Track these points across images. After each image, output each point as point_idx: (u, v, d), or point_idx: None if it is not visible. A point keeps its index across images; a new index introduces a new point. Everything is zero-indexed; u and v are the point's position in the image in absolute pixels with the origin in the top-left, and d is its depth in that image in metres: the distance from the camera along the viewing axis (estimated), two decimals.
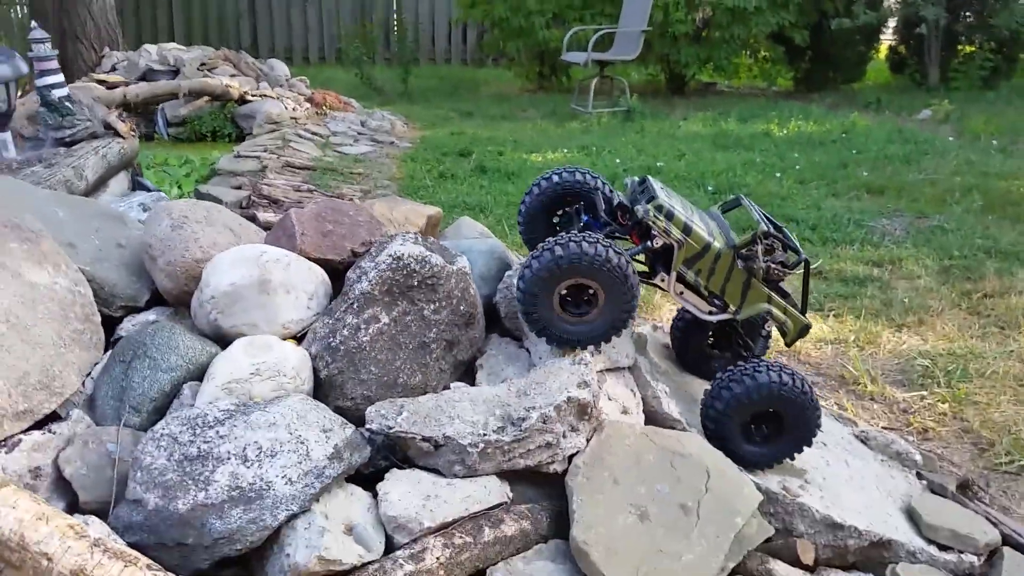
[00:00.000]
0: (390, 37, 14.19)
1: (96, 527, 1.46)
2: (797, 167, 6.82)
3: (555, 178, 2.33)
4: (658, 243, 2.10)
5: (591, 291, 1.95)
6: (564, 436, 1.77)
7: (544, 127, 8.85)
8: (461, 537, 1.59)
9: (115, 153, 3.45)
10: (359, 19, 14.07)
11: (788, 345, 2.31)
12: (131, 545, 1.48)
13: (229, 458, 1.55)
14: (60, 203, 2.30)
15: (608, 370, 2.11)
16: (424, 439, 1.70)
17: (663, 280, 2.15)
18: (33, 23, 4.00)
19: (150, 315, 2.16)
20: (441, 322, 1.98)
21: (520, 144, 7.68)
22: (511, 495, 1.75)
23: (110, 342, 2.07)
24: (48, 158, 3.21)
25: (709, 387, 2.11)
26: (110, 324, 2.12)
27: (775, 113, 9.20)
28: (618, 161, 7.09)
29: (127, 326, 2.12)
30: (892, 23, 11.36)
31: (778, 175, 6.56)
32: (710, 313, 2.20)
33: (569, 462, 1.81)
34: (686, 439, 1.96)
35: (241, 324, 1.94)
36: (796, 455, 2.13)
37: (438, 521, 1.60)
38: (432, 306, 1.98)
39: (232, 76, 8.41)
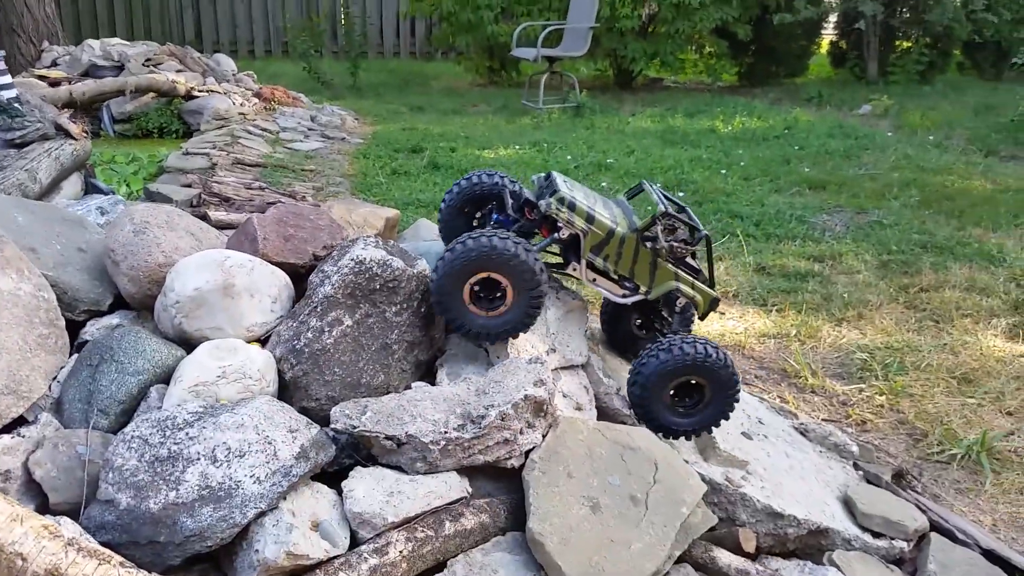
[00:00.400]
0: (337, 30, 14.09)
1: (69, 527, 1.51)
2: (742, 163, 7.00)
3: (473, 179, 2.46)
4: (564, 234, 2.22)
5: (502, 286, 2.06)
6: (521, 433, 1.86)
7: (495, 123, 8.92)
8: (423, 531, 1.68)
9: (68, 155, 3.43)
10: (305, 12, 13.95)
11: (701, 319, 2.43)
12: (103, 544, 1.53)
13: (199, 459, 1.60)
14: (19, 208, 2.30)
15: (563, 368, 2.20)
16: (387, 437, 1.77)
17: (575, 269, 2.28)
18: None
19: (113, 319, 2.19)
20: (402, 324, 2.06)
21: (472, 140, 7.74)
22: (470, 490, 1.84)
23: (74, 346, 2.09)
24: None
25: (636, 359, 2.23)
26: (74, 328, 2.15)
27: (720, 109, 9.41)
28: (569, 157, 7.20)
29: (91, 330, 2.15)
30: (833, 18, 11.67)
31: (723, 172, 6.74)
32: (624, 296, 2.31)
33: (526, 457, 1.90)
34: (635, 433, 2.06)
35: (206, 328, 1.99)
36: (715, 427, 2.24)
37: (401, 516, 1.68)
38: (393, 308, 2.05)
39: (178, 72, 8.30)
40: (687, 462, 2.12)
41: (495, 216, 2.40)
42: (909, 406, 3.25)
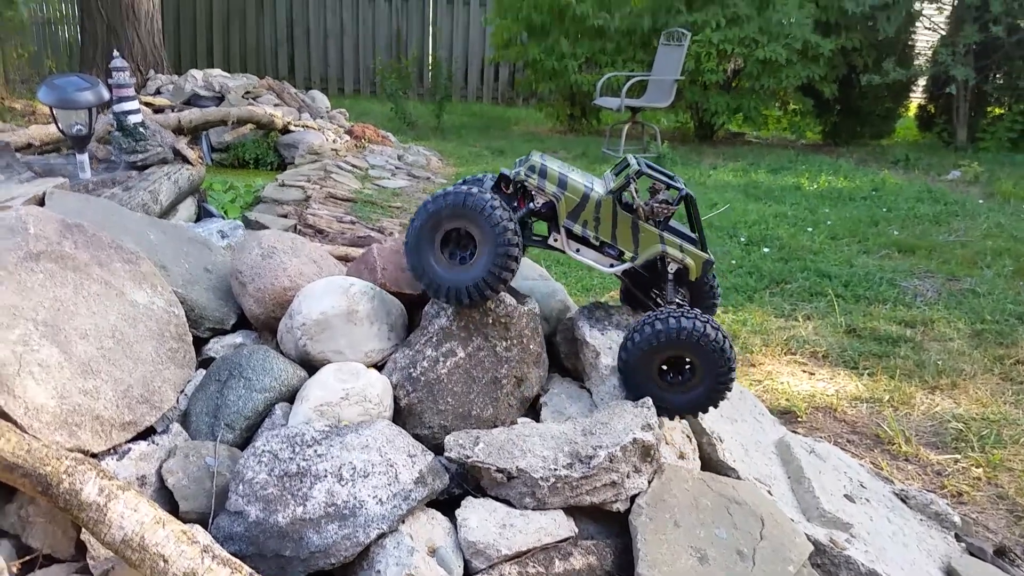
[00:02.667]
0: (424, 73, 14.49)
1: (201, 535, 1.57)
2: (828, 222, 6.92)
3: (470, 179, 2.42)
4: (539, 202, 2.17)
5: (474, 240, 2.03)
6: (628, 476, 1.87)
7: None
8: (534, 567, 1.69)
9: (185, 179, 3.61)
10: (395, 54, 14.39)
11: (695, 282, 2.31)
12: (231, 554, 1.58)
13: (326, 476, 1.66)
14: (152, 227, 2.43)
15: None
16: (499, 470, 1.80)
17: (556, 240, 2.21)
18: (115, 52, 4.21)
19: (236, 338, 2.29)
20: (512, 359, 2.10)
21: None
22: (576, 530, 1.85)
23: (199, 362, 2.19)
24: (121, 180, 3.37)
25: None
26: (197, 345, 2.24)
27: (804, 167, 9.34)
28: None
29: (215, 347, 2.24)
30: (922, 81, 11.52)
31: (809, 229, 6.67)
32: (611, 265, 2.24)
33: (631, 502, 1.90)
34: (741, 487, 2.05)
35: (328, 351, 2.07)
36: (702, 412, 2.15)
37: (513, 550, 1.70)
38: (504, 343, 2.09)
39: (276, 105, 8.64)
40: (792, 520, 2.09)
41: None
42: (1008, 481, 3.14)
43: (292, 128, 8.20)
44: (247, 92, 8.69)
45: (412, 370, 2.02)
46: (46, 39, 12.98)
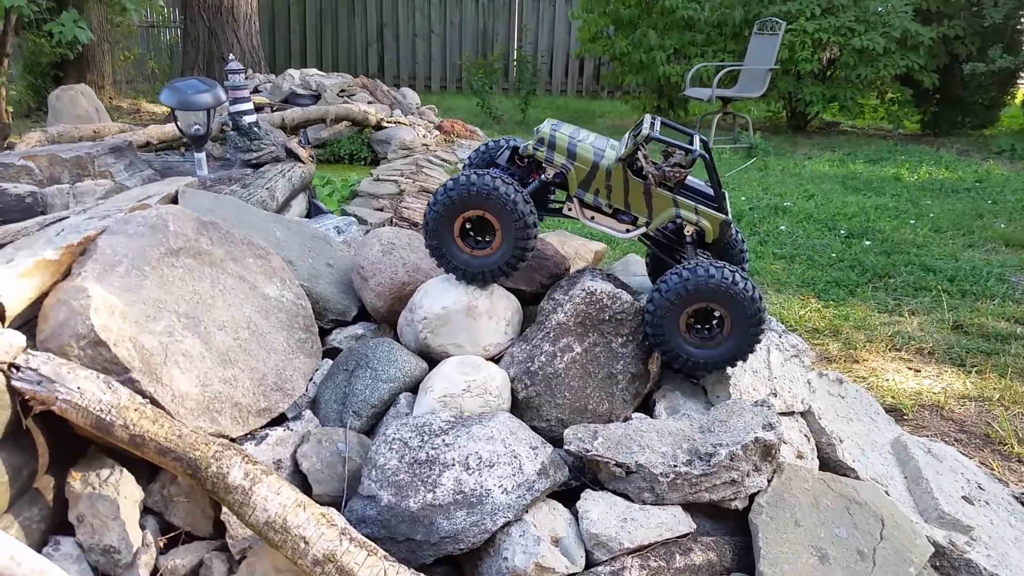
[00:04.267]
0: (509, 68, 14.56)
1: (337, 518, 1.64)
2: (931, 215, 6.68)
3: (501, 142, 2.45)
4: (550, 174, 2.16)
5: (492, 227, 2.06)
6: (748, 475, 1.87)
7: None
8: (656, 561, 1.71)
9: (297, 176, 3.75)
10: (480, 51, 14.51)
11: (714, 244, 2.26)
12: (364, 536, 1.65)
13: (453, 465, 1.71)
14: (277, 223, 2.54)
15: (783, 414, 2.19)
16: (617, 464, 1.82)
17: (570, 209, 2.20)
18: (230, 55, 4.37)
19: (357, 329, 2.37)
20: (627, 355, 2.12)
21: None
22: (694, 526, 1.86)
23: (323, 352, 2.28)
24: (238, 178, 3.52)
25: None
26: (321, 335, 2.34)
27: (904, 157, 9.03)
28: (743, 199, 7.10)
29: (339, 338, 2.34)
30: None
31: (912, 222, 6.46)
32: (626, 231, 2.21)
33: (749, 500, 1.90)
34: (861, 487, 2.02)
35: (448, 344, 2.13)
36: (730, 367, 2.10)
37: (635, 543, 1.72)
38: (620, 340, 2.11)
39: (369, 103, 8.83)
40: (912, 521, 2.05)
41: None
42: None
43: (385, 124, 8.37)
44: (342, 90, 8.91)
45: (530, 364, 2.06)
46: (149, 42, 13.56)
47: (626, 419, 2.10)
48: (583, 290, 2.10)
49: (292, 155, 3.89)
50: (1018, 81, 11.17)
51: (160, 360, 1.75)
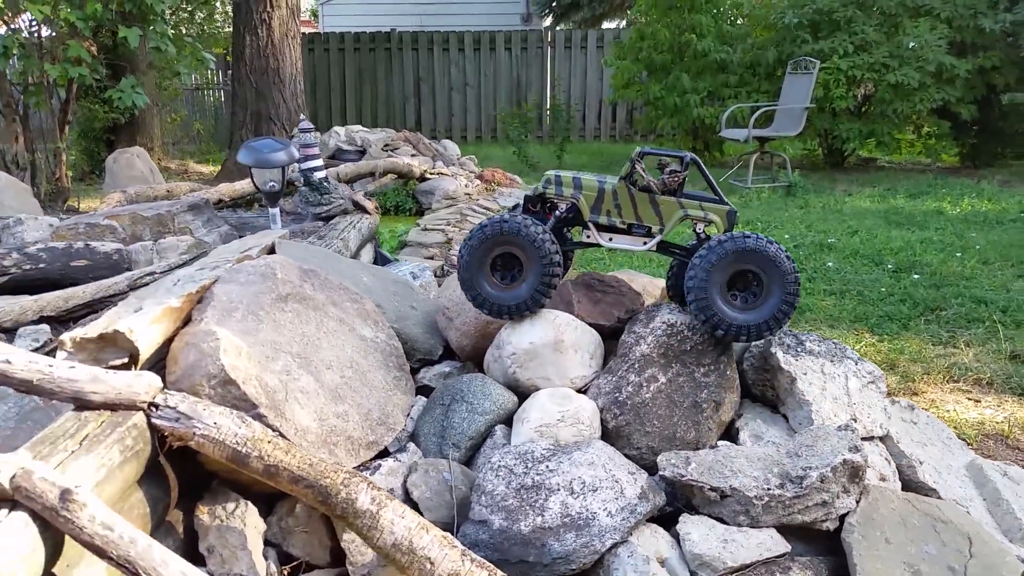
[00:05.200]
0: (542, 116, 14.86)
1: (455, 540, 1.74)
2: (977, 247, 6.68)
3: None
4: (562, 207, 2.35)
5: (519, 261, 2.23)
6: (837, 496, 1.94)
7: None
8: None
9: (365, 227, 3.92)
10: (515, 100, 14.84)
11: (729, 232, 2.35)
12: None
13: (559, 489, 1.81)
14: (363, 271, 2.69)
15: (863, 439, 2.25)
16: (712, 488, 1.90)
17: (588, 236, 2.37)
18: (302, 116, 4.60)
19: (444, 367, 2.49)
20: (710, 384, 2.21)
21: None
22: (789, 547, 1.92)
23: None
24: (311, 231, 3.69)
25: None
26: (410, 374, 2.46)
27: (945, 190, 9.04)
28: (787, 236, 7.16)
29: (427, 376, 2.46)
30: None
31: (959, 255, 6.47)
32: (644, 244, 2.38)
33: (839, 521, 1.96)
34: (944, 507, 2.07)
35: (536, 377, 2.24)
36: (768, 333, 2.20)
37: (738, 563, 1.79)
38: (702, 369, 2.20)
39: (412, 156, 9.09)
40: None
41: None
42: None
43: (428, 176, 8.60)
44: (386, 145, 9.18)
45: (618, 394, 2.16)
46: (194, 104, 14.06)
47: (712, 447, 2.18)
48: (663, 323, 2.20)
49: (359, 207, 4.07)
50: None
51: (282, 397, 1.88)
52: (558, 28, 17.47)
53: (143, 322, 1.82)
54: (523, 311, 2.30)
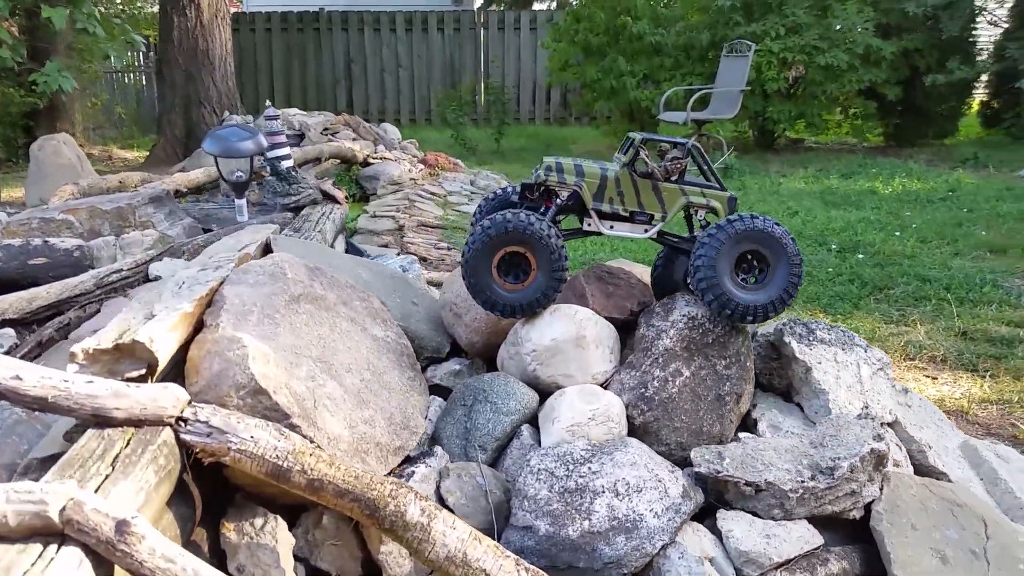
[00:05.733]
0: (477, 100, 14.74)
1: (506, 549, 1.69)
2: (914, 225, 6.93)
3: (501, 191, 2.61)
4: (564, 195, 2.33)
5: (528, 261, 2.19)
6: (864, 486, 1.97)
7: None
8: (801, 573, 1.80)
9: (338, 217, 3.80)
10: (449, 83, 14.67)
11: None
12: None
13: (604, 492, 1.78)
14: (360, 266, 2.59)
15: None
16: (747, 483, 1.91)
17: (589, 224, 2.37)
18: (268, 103, 4.42)
19: (454, 365, 2.43)
20: (732, 377, 2.21)
21: None
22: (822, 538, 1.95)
23: None
24: (280, 223, 3.55)
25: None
26: None
27: (875, 170, 9.34)
28: None
29: (438, 374, 2.39)
30: (984, 78, 11.46)
31: (898, 233, 6.69)
32: (646, 231, 2.39)
33: (864, 510, 1.99)
34: (958, 490, 2.13)
35: (558, 375, 2.20)
36: (774, 313, 2.22)
37: (782, 557, 1.81)
38: (723, 362, 2.21)
39: (353, 140, 8.89)
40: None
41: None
42: None
43: (371, 160, 8.42)
44: (325, 129, 8.95)
45: (644, 390, 2.14)
46: (115, 87, 13.44)
47: (734, 438, 2.18)
48: (684, 316, 2.19)
49: (328, 197, 3.94)
50: (974, 91, 11.65)
51: (311, 405, 1.79)
52: (490, 9, 17.31)
53: (162, 329, 1.70)
54: (535, 308, 2.26)
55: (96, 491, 1.38)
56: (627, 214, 2.39)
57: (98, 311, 2.94)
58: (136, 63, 13.64)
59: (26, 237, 3.24)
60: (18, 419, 2.21)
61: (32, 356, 2.62)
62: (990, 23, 11.03)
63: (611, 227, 2.40)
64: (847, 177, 9.11)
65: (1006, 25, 10.75)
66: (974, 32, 11.02)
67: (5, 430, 2.20)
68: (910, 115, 11.16)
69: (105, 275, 3.07)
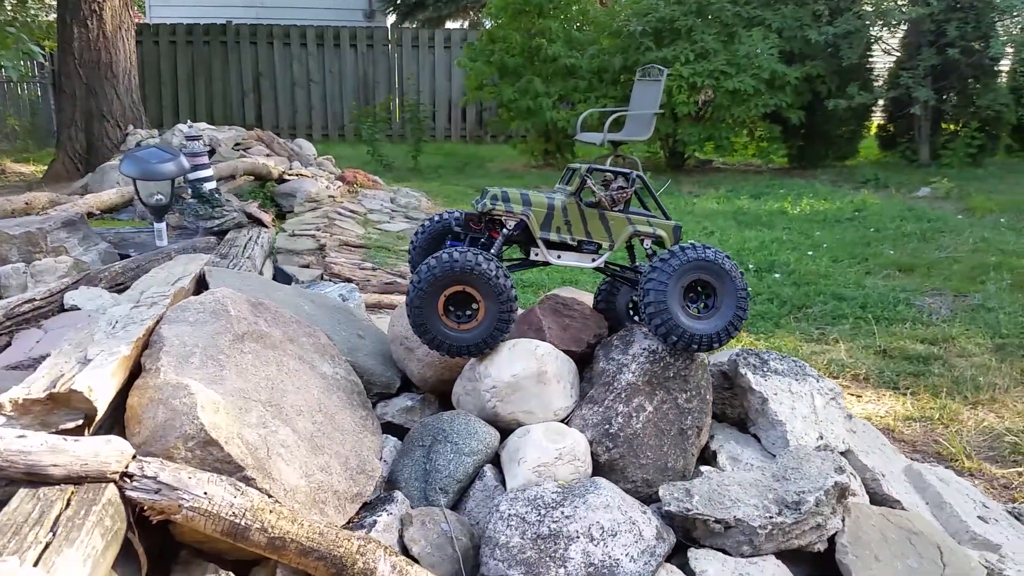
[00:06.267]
0: (392, 116, 14.60)
1: None
2: (824, 245, 7.17)
3: (436, 218, 2.56)
4: (510, 224, 2.32)
5: (475, 300, 2.15)
6: (828, 519, 1.96)
7: None
8: None
9: (266, 242, 3.62)
10: (362, 99, 14.48)
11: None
12: None
13: (578, 537, 1.71)
14: (301, 297, 2.46)
15: None
16: (717, 521, 1.88)
17: (536, 254, 2.36)
18: (188, 122, 4.18)
19: (405, 401, 2.32)
20: (694, 410, 2.18)
21: None
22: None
23: None
24: (203, 247, 3.37)
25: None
26: None
27: (783, 191, 9.65)
28: None
29: (390, 411, 2.28)
30: (880, 103, 12.05)
31: (810, 253, 6.90)
32: (593, 260, 2.39)
33: (829, 543, 1.99)
34: (914, 518, 2.16)
35: (518, 412, 2.12)
36: (721, 344, 2.21)
37: None
38: (684, 395, 2.18)
39: (267, 156, 8.63)
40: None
41: (448, 242, 2.46)
42: None
43: (287, 177, 8.19)
44: (237, 144, 8.66)
45: (608, 427, 2.09)
46: (6, 98, 12.71)
47: (695, 472, 2.15)
48: (644, 349, 2.15)
49: (253, 219, 3.76)
50: (871, 115, 12.23)
51: (264, 454, 1.66)
52: (403, 26, 17.19)
53: (102, 377, 1.55)
54: (483, 349, 2.19)
55: (36, 563, 1.22)
56: (575, 243, 2.36)
57: (9, 344, 2.72)
58: (31, 73, 12.94)
59: None
60: None
61: None
62: (884, 52, 11.61)
63: (558, 256, 2.37)
64: (757, 197, 9.39)
65: (898, 54, 11.34)
66: (871, 60, 11.59)
67: None
68: (812, 138, 11.64)
69: (16, 305, 2.84)
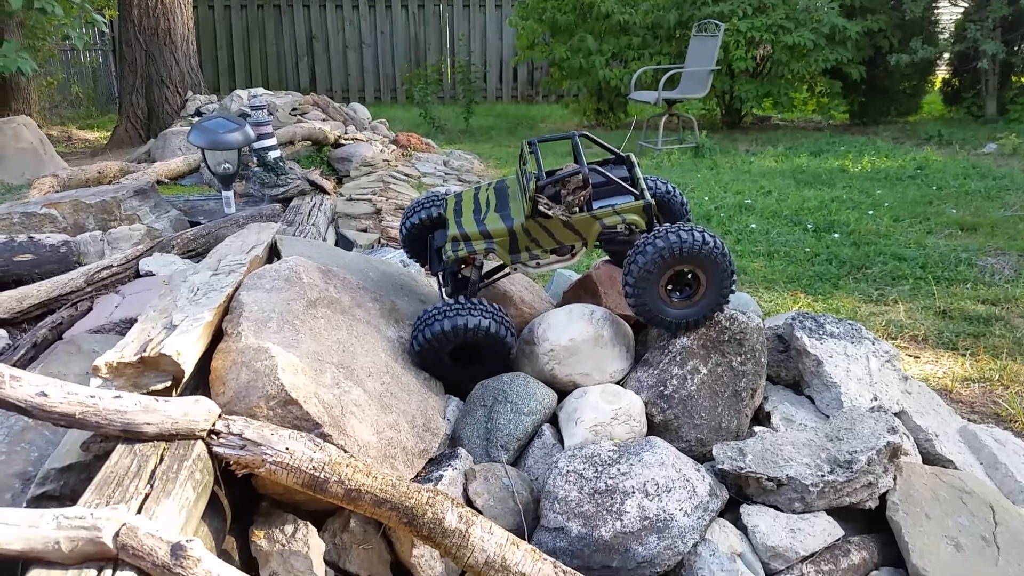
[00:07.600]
0: (443, 77, 14.61)
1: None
2: (886, 204, 7.03)
3: (426, 202, 2.58)
4: (480, 260, 2.31)
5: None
6: (880, 477, 2.01)
7: None
8: (825, 565, 1.84)
9: (328, 209, 3.74)
10: (413, 60, 14.51)
11: (649, 230, 2.31)
12: None
13: (634, 492, 1.79)
14: (367, 264, 2.56)
15: None
16: (769, 479, 1.94)
17: (516, 268, 2.35)
18: (252, 91, 4.30)
19: None
20: (748, 372, 2.23)
21: None
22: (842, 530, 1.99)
23: None
24: (269, 215, 3.49)
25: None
26: None
27: (844, 148, 9.46)
28: (707, 199, 7.33)
29: None
30: (946, 55, 11.65)
31: (871, 212, 6.79)
32: (571, 257, 2.35)
33: (880, 500, 2.04)
34: (966, 477, 2.19)
35: (575, 374, 2.20)
36: (715, 313, 2.20)
37: (808, 551, 1.84)
38: (739, 358, 2.23)
39: (323, 120, 8.75)
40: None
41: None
42: None
43: (343, 141, 8.31)
44: (294, 109, 8.80)
45: (663, 388, 2.16)
46: (70, 66, 13.05)
47: (750, 432, 2.21)
48: None
49: (316, 186, 3.87)
50: (935, 69, 11.84)
51: (339, 412, 1.77)
52: None
53: (189, 342, 1.67)
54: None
55: (139, 511, 1.35)
56: (550, 252, 2.34)
57: (90, 308, 2.88)
58: (92, 41, 13.26)
59: (8, 233, 3.15)
60: (26, 426, 2.16)
61: (29, 358, 2.56)
62: (951, 2, 11.19)
63: (536, 264, 2.34)
64: (816, 155, 9.21)
65: (965, 5, 10.91)
66: (936, 12, 11.18)
67: (13, 437, 2.15)
68: (874, 93, 11.32)
69: (95, 271, 3.00)
